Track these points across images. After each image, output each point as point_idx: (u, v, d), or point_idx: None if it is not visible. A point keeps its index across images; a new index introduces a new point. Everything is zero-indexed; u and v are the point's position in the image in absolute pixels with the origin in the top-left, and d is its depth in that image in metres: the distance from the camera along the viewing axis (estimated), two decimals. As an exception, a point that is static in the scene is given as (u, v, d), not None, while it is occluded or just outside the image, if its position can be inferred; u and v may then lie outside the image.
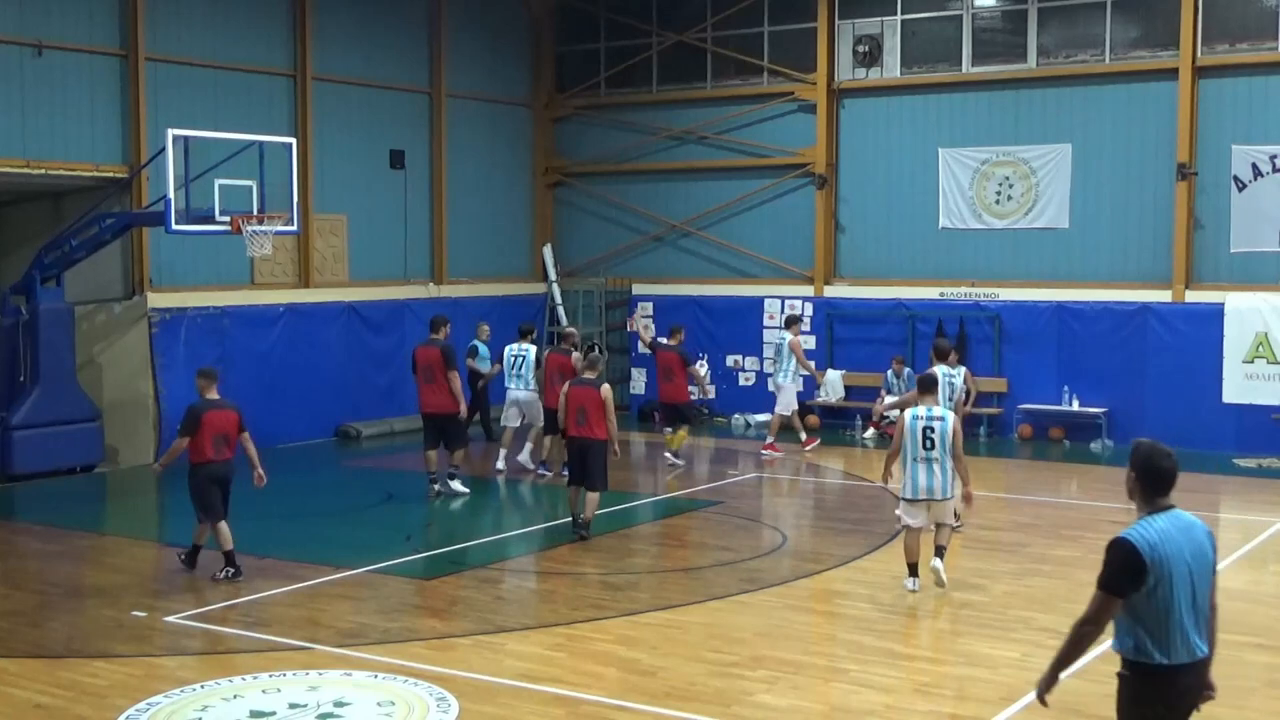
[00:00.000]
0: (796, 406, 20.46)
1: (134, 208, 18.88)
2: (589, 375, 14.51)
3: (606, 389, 14.20)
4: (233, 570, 12.39)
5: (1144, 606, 5.86)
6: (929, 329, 22.03)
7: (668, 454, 19.03)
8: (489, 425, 21.27)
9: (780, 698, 9.23)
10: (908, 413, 11.96)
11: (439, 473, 16.69)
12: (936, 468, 11.80)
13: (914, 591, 11.78)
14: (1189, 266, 20.63)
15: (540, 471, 17.99)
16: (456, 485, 16.68)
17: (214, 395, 12.92)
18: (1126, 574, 5.84)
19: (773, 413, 20.40)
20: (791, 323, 20.67)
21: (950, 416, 11.95)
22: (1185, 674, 5.93)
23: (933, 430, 11.74)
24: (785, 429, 20.15)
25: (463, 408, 16.79)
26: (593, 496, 14.21)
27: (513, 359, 18.36)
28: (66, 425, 18.13)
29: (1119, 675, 6.07)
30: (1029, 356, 21.52)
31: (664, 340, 19.92)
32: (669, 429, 19.24)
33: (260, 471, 12.80)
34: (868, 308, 22.89)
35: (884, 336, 22.59)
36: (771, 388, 20.86)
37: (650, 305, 24.97)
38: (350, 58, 22.31)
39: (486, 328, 21.20)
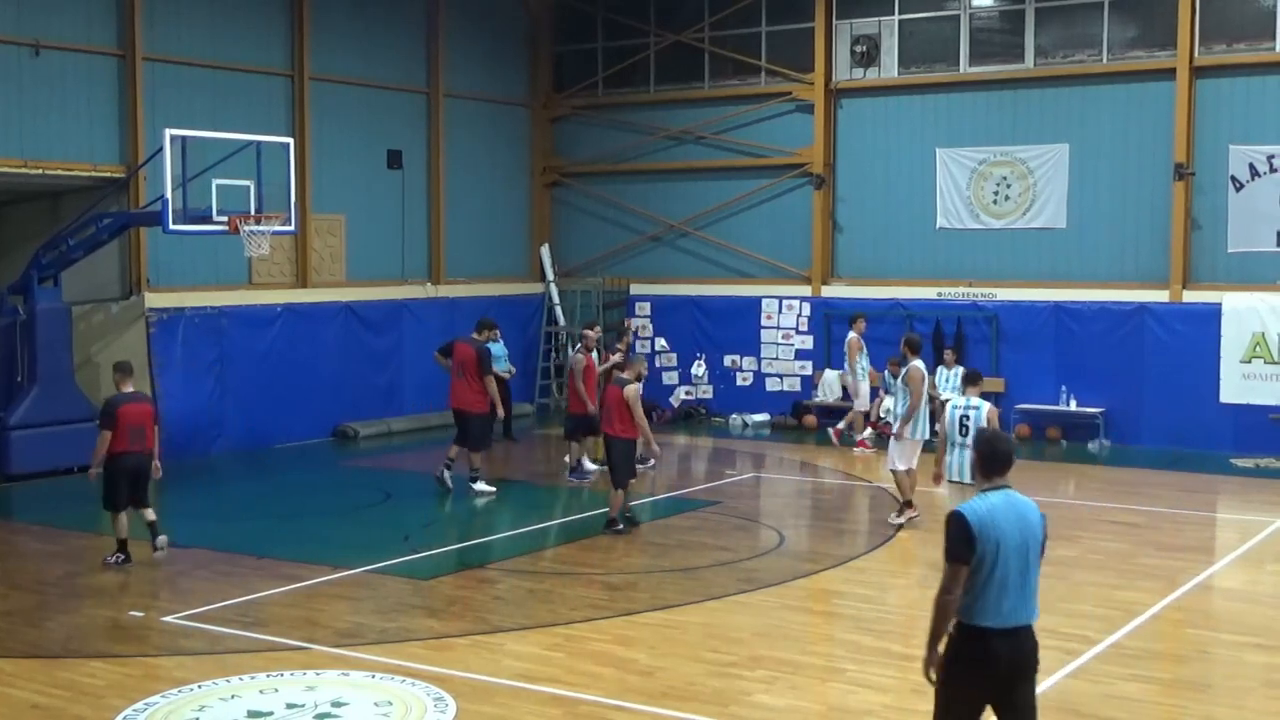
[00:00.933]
0: (869, 403, 20.67)
1: (131, 207, 18.87)
2: (624, 375, 14.79)
3: (630, 389, 14.38)
4: (123, 557, 12.96)
5: (974, 573, 6.45)
6: (927, 329, 22.03)
7: (587, 462, 18.10)
8: (510, 426, 21.12)
9: (778, 698, 9.24)
10: (949, 402, 13.30)
11: (453, 461, 16.97)
12: (969, 454, 11.92)
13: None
14: (1186, 266, 20.65)
15: (582, 474, 17.90)
16: (480, 486, 16.75)
17: (129, 389, 13.44)
18: (962, 543, 6.45)
19: (851, 409, 20.77)
20: (854, 320, 21.01)
21: (985, 405, 12.85)
22: (1006, 638, 6.50)
23: (968, 419, 12.68)
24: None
25: (498, 409, 17.12)
26: (612, 494, 14.56)
27: None
28: (64, 425, 18.09)
29: (948, 633, 6.65)
30: (1026, 356, 21.53)
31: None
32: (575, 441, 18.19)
33: (158, 464, 13.44)
34: (865, 308, 22.85)
35: (881, 336, 22.53)
36: (845, 384, 21.27)
37: (648, 305, 24.97)
38: (348, 58, 22.30)
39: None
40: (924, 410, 14.95)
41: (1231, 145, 20.19)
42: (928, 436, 14.96)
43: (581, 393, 17.53)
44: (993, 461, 6.67)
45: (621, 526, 14.45)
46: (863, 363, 20.77)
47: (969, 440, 12.24)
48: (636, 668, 9.83)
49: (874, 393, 21.91)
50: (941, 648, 6.72)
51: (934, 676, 6.76)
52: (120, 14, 19.01)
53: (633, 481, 14.83)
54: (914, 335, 15.91)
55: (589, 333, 18.61)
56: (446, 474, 16.81)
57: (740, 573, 12.88)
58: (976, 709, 6.70)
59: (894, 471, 15.07)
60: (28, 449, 17.77)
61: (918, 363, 14.93)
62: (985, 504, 6.52)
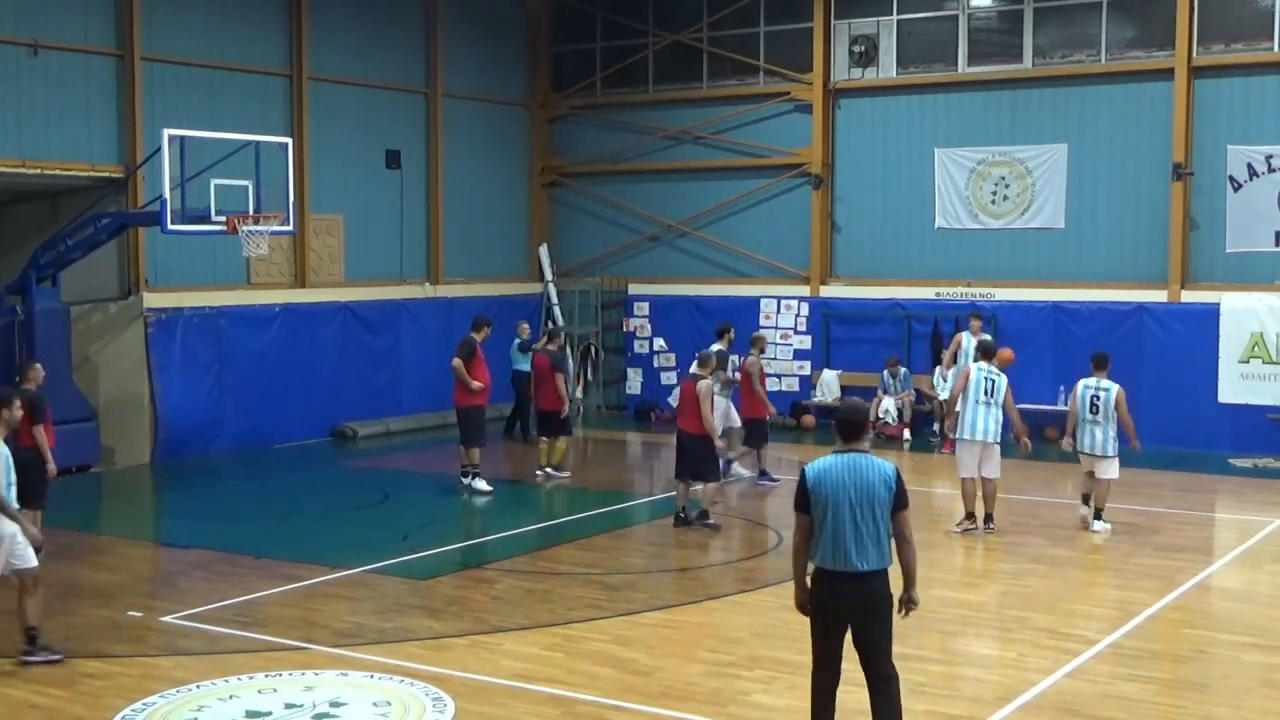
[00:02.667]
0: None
1: (130, 207, 18.86)
2: (697, 370, 14.94)
3: (704, 384, 14.60)
4: None
5: (817, 521, 7.49)
6: (925, 329, 22.05)
7: (547, 469, 18.00)
8: (527, 426, 21.16)
9: (777, 698, 9.24)
10: (1080, 383, 14.71)
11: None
12: (1098, 430, 14.58)
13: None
14: (1185, 266, 20.65)
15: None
16: (479, 484, 16.83)
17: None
18: (800, 494, 7.56)
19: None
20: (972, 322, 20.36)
21: (1115, 387, 14.49)
22: (843, 581, 7.48)
23: (1099, 399, 14.48)
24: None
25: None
26: (701, 488, 14.86)
27: None
28: (62, 425, 18.03)
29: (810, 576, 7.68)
30: (1025, 356, 21.42)
31: (538, 345, 19.41)
32: (544, 439, 18.16)
33: (52, 466, 13.06)
34: (864, 308, 22.90)
35: (880, 337, 22.60)
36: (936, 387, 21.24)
37: (647, 305, 24.98)
38: (346, 58, 22.29)
39: (526, 326, 21.52)
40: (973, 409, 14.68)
41: (1230, 145, 20.20)
42: (971, 436, 14.62)
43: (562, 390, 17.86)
44: (844, 428, 7.60)
45: (712, 521, 14.69)
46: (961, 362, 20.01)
47: (1098, 417, 14.49)
48: (635, 668, 9.83)
49: (870, 393, 21.96)
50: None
51: (807, 610, 7.75)
52: (119, 14, 19.00)
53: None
54: (988, 342, 16.21)
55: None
56: (475, 483, 16.81)
57: (739, 573, 12.89)
58: (835, 641, 7.64)
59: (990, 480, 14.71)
60: (26, 449, 17.75)
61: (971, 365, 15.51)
62: (824, 463, 7.52)
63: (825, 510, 7.45)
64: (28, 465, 12.34)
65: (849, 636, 7.66)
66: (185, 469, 18.92)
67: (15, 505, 9.93)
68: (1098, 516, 14.68)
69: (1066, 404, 20.92)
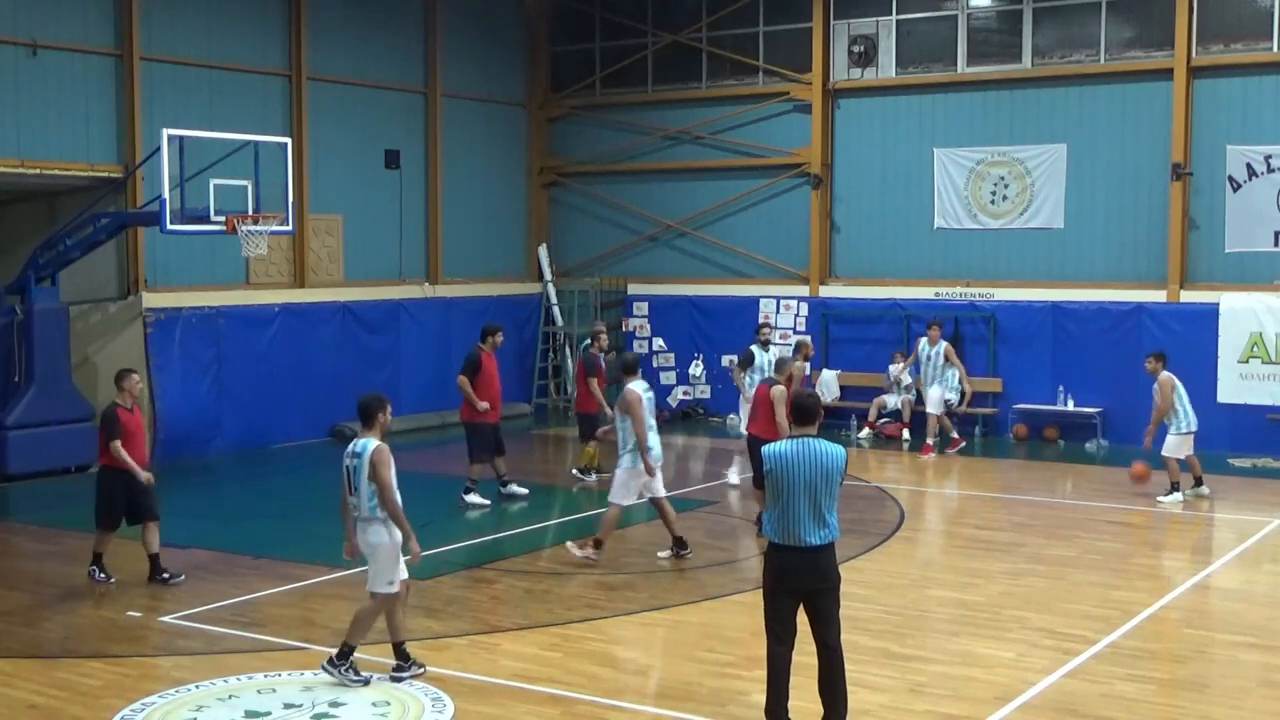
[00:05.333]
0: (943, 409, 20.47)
1: (129, 207, 18.86)
2: (775, 375, 14.63)
3: (777, 390, 13.93)
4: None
5: (772, 499, 8.16)
6: (924, 329, 22.03)
7: (574, 471, 18.27)
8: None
9: (776, 698, 9.23)
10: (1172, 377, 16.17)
11: (501, 475, 16.83)
12: None
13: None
14: (1184, 266, 20.65)
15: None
16: (472, 498, 16.27)
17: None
18: (758, 471, 8.29)
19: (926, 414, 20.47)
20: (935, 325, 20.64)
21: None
22: (794, 555, 8.13)
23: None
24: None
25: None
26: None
27: None
28: (61, 425, 18.11)
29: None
30: (1024, 356, 21.53)
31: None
32: (588, 443, 18.18)
33: (144, 475, 12.74)
34: (863, 308, 22.90)
35: (879, 337, 22.60)
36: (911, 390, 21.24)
37: (646, 305, 24.98)
38: (345, 57, 22.29)
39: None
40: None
41: (1229, 145, 20.20)
42: None
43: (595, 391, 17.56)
44: (800, 414, 8.33)
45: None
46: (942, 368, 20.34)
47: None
48: (634, 668, 9.84)
49: (870, 393, 21.98)
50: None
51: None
52: (117, 14, 19.00)
53: None
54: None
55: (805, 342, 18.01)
56: (512, 487, 16.64)
57: (738, 573, 12.89)
58: (789, 614, 8.22)
59: None
60: (25, 449, 17.77)
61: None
62: (781, 446, 8.20)
63: (780, 489, 8.10)
64: (116, 482, 12.42)
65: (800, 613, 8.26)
66: (184, 469, 18.92)
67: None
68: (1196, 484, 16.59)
69: (1065, 404, 21.09)
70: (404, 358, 22.80)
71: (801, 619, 8.32)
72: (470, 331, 21.69)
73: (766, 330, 20.25)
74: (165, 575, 12.37)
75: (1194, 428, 16.53)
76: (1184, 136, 20.42)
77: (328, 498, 17.16)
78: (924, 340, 20.61)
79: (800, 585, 8.17)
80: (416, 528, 15.04)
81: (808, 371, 19.46)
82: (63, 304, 18.46)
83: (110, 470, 12.52)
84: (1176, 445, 16.43)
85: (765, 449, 8.26)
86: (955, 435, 20.49)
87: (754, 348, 19.07)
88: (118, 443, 12.32)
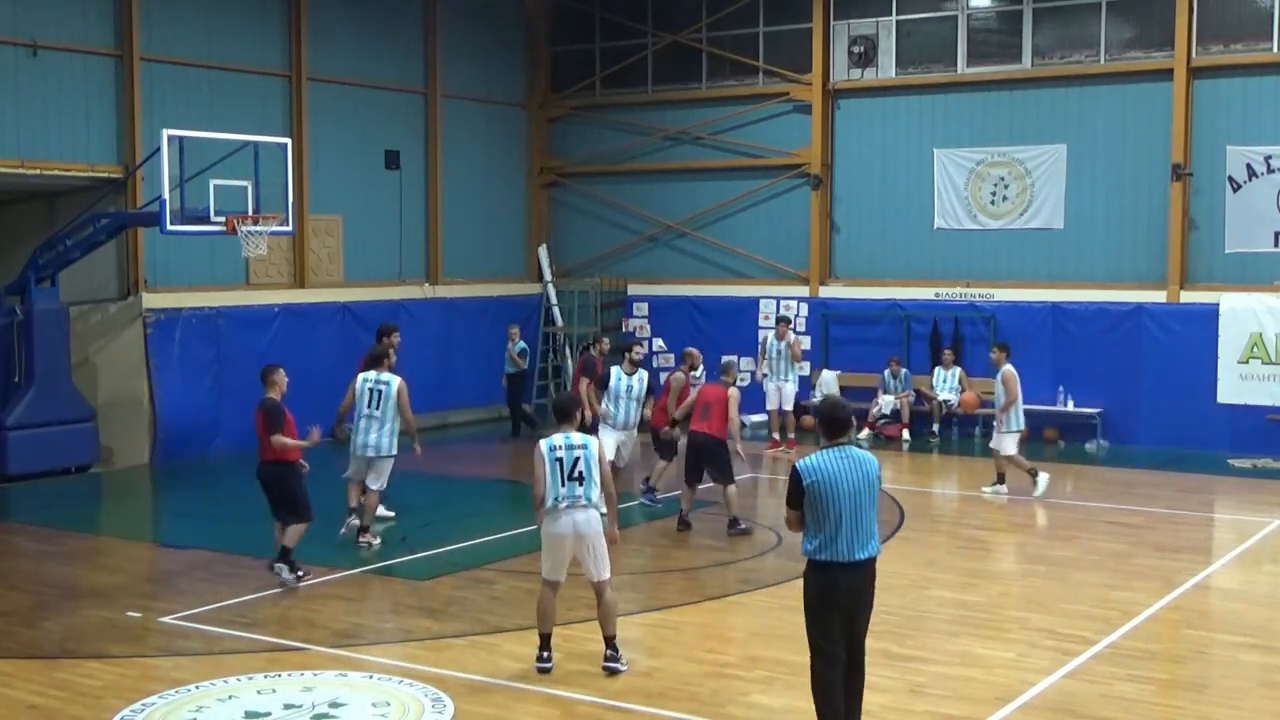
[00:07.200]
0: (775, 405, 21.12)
1: (129, 208, 18.86)
2: (724, 377, 15.16)
3: (734, 390, 14.88)
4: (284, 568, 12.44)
5: (811, 515, 7.76)
6: (924, 329, 22.05)
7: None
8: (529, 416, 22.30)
9: (775, 698, 9.25)
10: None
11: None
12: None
13: None
14: (1184, 267, 20.65)
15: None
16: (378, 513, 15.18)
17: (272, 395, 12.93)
18: (792, 489, 7.83)
19: (781, 411, 21.05)
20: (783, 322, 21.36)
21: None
22: (841, 571, 7.77)
23: None
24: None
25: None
26: (728, 495, 14.74)
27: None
28: (61, 425, 18.11)
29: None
30: (1024, 357, 21.35)
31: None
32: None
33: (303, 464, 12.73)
34: (863, 308, 22.90)
35: (879, 337, 22.59)
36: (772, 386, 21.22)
37: (646, 305, 24.97)
38: (345, 58, 22.29)
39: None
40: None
41: (1229, 146, 20.20)
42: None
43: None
44: (831, 425, 7.93)
45: (745, 525, 14.65)
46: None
47: None
48: (634, 668, 9.83)
49: (869, 393, 21.97)
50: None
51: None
52: (117, 14, 19.00)
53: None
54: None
55: (692, 352, 17.42)
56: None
57: (737, 573, 12.89)
58: (836, 633, 7.89)
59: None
60: (25, 449, 17.77)
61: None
62: (816, 458, 7.81)
63: (822, 503, 7.70)
64: (277, 479, 12.23)
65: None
66: (184, 469, 18.93)
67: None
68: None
69: (1065, 405, 21.11)
70: (404, 358, 22.67)
71: None
72: (471, 331, 21.75)
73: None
74: (300, 574, 12.22)
75: (1022, 427, 16.95)
76: (1184, 137, 20.42)
77: (328, 498, 17.23)
78: (771, 335, 21.08)
79: (848, 601, 7.86)
80: (417, 527, 15.08)
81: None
82: (63, 304, 18.46)
83: (281, 463, 12.27)
84: (1008, 443, 16.73)
85: (802, 463, 7.83)
86: (792, 436, 20.80)
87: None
88: (280, 435, 12.23)
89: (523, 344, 22.63)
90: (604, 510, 9.86)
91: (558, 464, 9.59)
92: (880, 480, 7.95)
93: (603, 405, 15.91)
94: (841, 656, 7.89)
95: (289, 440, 12.24)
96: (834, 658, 7.89)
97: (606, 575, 9.74)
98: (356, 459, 14.46)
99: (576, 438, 9.71)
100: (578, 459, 9.61)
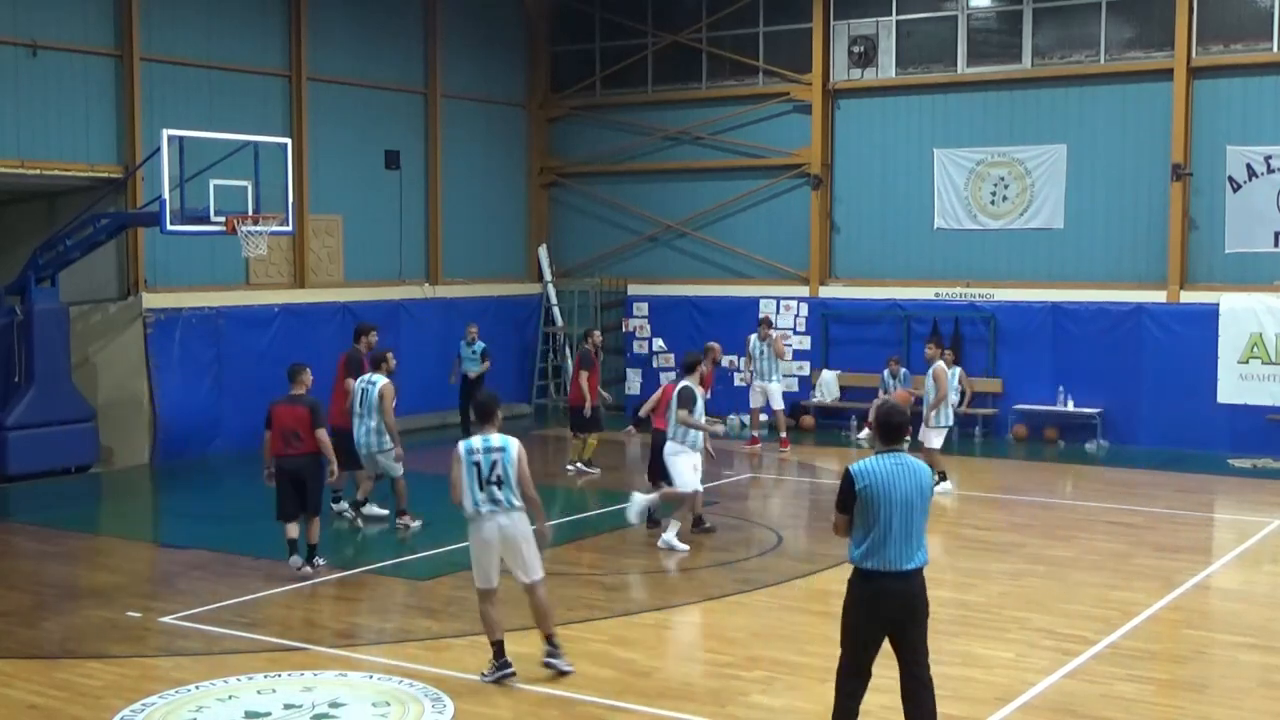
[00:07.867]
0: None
1: (129, 208, 18.86)
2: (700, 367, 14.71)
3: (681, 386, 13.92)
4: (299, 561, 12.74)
5: (861, 521, 7.49)
6: (924, 329, 22.04)
7: (578, 464, 18.62)
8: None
9: (775, 698, 9.24)
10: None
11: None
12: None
13: None
14: (1184, 267, 20.66)
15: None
16: (369, 510, 15.60)
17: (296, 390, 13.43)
18: (844, 493, 7.53)
19: (770, 410, 21.03)
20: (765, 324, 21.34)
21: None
22: (889, 581, 7.51)
23: None
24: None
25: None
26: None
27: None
28: (61, 425, 18.11)
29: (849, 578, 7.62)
30: (1024, 357, 21.54)
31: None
32: (576, 435, 18.86)
33: (333, 466, 13.12)
34: (863, 308, 22.90)
35: (879, 337, 22.59)
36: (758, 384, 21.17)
37: (646, 305, 24.98)
38: (345, 58, 22.29)
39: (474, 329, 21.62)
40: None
41: (1229, 146, 20.21)
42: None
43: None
44: (888, 431, 7.63)
45: (709, 524, 14.59)
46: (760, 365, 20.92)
47: None
48: (634, 668, 9.83)
49: (869, 393, 21.94)
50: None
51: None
52: (117, 14, 19.00)
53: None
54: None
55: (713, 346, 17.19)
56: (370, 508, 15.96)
57: (737, 573, 12.88)
58: (873, 647, 7.62)
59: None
60: (25, 449, 17.77)
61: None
62: (871, 464, 7.52)
63: (874, 511, 7.45)
64: (318, 471, 12.74)
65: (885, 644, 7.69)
66: (184, 469, 18.93)
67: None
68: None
69: (1065, 405, 21.11)
70: (404, 358, 22.70)
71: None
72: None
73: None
74: (321, 562, 12.72)
75: (951, 423, 17.15)
76: (1184, 137, 20.43)
77: (328, 499, 17.23)
78: (754, 336, 21.05)
79: (894, 614, 7.59)
80: (416, 528, 15.02)
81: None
82: (63, 304, 18.46)
83: (321, 456, 12.85)
84: (934, 438, 16.81)
85: (855, 467, 7.53)
86: (784, 435, 20.73)
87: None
88: (322, 430, 12.84)
89: (481, 343, 21.41)
90: (521, 507, 9.57)
91: (475, 468, 9.40)
92: (932, 490, 7.76)
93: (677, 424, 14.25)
94: (869, 671, 7.67)
95: (326, 442, 12.84)
96: (864, 671, 7.65)
97: (538, 576, 9.61)
98: (361, 456, 15.08)
99: (496, 439, 9.49)
100: (495, 462, 9.41)
